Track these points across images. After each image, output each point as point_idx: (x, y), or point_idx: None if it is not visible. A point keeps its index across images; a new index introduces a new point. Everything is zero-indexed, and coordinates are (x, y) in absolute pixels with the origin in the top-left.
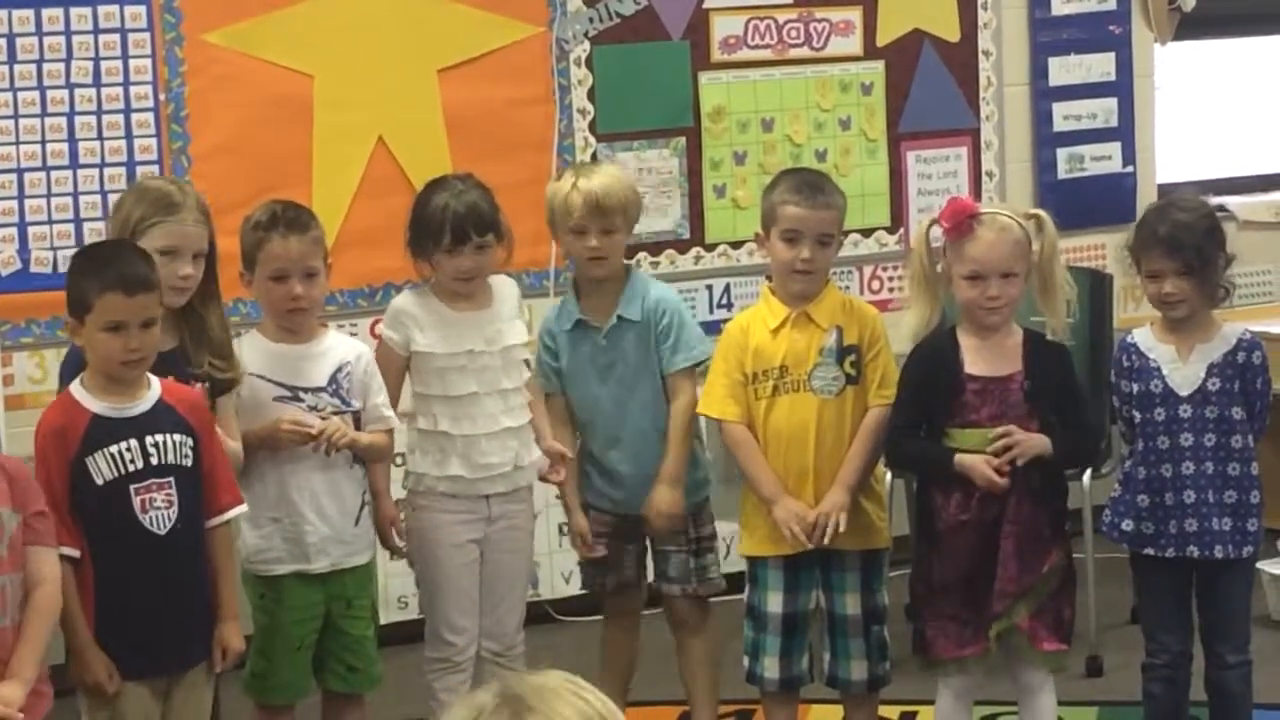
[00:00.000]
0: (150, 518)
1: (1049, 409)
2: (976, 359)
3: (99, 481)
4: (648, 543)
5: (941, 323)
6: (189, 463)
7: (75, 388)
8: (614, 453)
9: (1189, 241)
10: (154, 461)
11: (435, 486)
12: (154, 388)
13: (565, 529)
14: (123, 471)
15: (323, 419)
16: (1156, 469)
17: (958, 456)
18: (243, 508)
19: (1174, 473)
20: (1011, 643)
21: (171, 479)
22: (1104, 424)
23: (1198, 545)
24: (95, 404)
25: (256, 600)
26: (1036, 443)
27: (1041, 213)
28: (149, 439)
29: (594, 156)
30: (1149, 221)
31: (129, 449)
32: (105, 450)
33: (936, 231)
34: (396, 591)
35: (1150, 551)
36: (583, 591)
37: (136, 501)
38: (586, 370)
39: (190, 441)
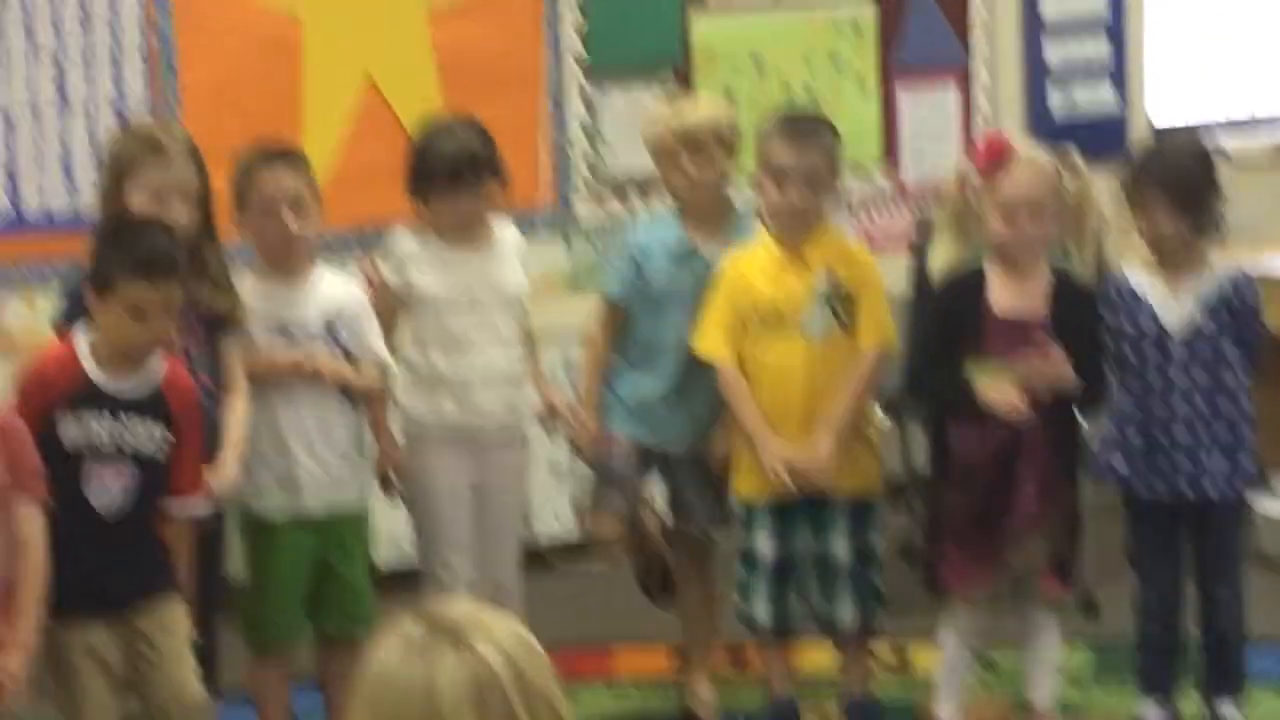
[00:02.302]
0: (100, 497)
1: (1069, 350)
2: (1002, 296)
3: (65, 445)
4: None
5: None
6: (158, 455)
7: (81, 347)
8: (654, 380)
9: (1190, 180)
10: (124, 447)
11: (428, 428)
12: (156, 370)
13: (558, 470)
14: (87, 446)
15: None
16: (1148, 408)
17: (984, 388)
18: (201, 501)
19: (1165, 410)
20: (1022, 579)
21: (135, 467)
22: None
23: (1190, 484)
24: (95, 371)
25: (249, 543)
26: (1061, 370)
27: (1074, 155)
28: (127, 422)
29: (584, 95)
30: (1148, 159)
31: (101, 427)
32: (82, 416)
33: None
34: (392, 535)
35: (1143, 492)
36: (577, 540)
37: (92, 478)
38: (683, 296)
39: (168, 435)
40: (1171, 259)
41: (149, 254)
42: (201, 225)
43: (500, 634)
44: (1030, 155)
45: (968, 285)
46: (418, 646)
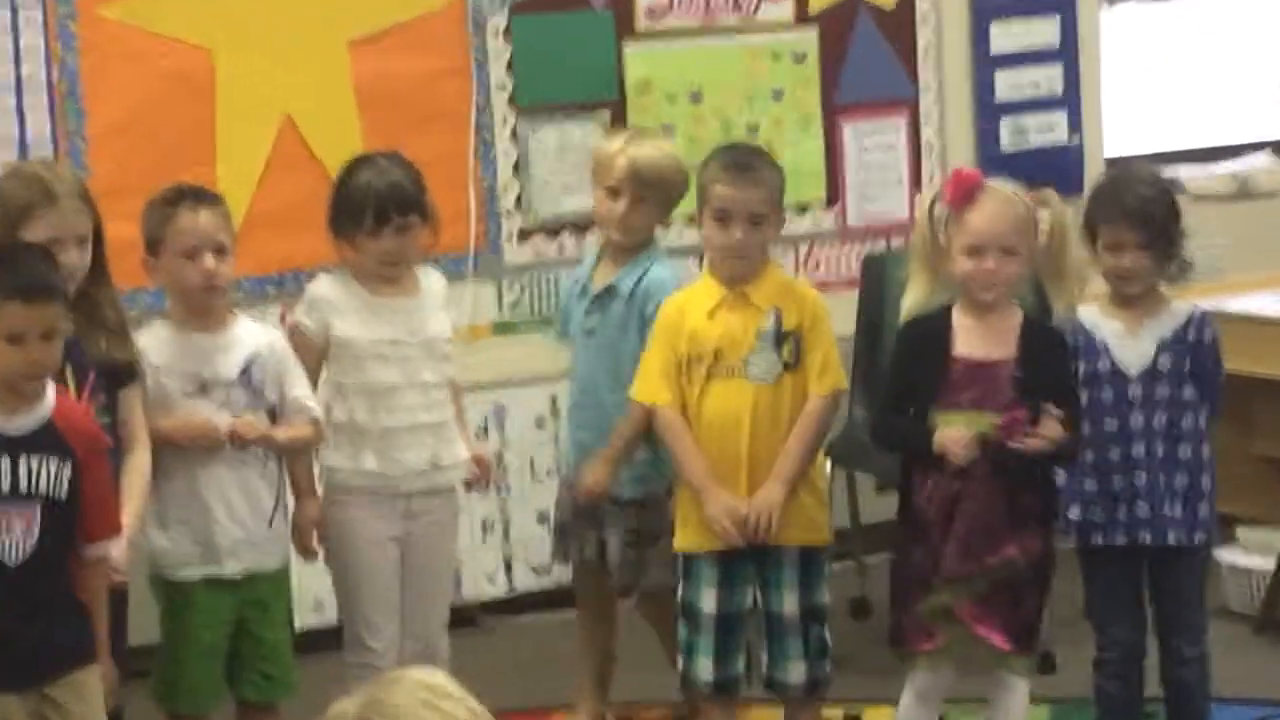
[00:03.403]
0: (3, 546)
1: (1039, 399)
2: (968, 339)
3: None
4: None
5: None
6: (62, 493)
7: None
8: (578, 420)
9: (1154, 214)
10: (22, 488)
11: (350, 481)
12: (46, 403)
13: (489, 525)
14: None
15: (234, 417)
16: (1104, 453)
17: (936, 434)
18: (119, 540)
19: (1123, 454)
20: (952, 628)
21: (37, 508)
22: None
23: (1150, 531)
24: None
25: (164, 606)
26: (1046, 442)
27: (1050, 193)
28: (23, 461)
29: (514, 132)
30: (1111, 191)
31: None
32: None
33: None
34: (312, 594)
35: (1100, 540)
36: (509, 594)
37: None
38: (577, 329)
39: (69, 470)
40: (1129, 296)
41: (26, 277)
42: (93, 269)
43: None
44: (1000, 189)
45: (931, 328)
46: None
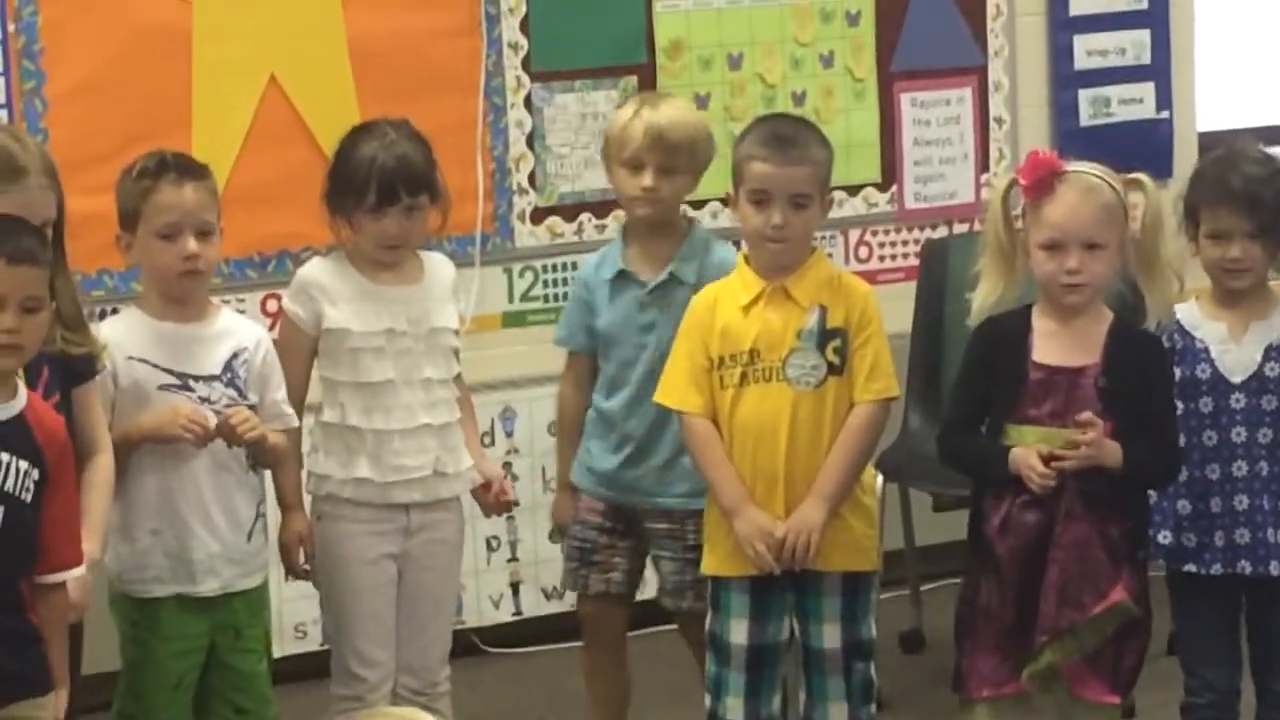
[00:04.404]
0: None
1: (1128, 411)
2: (1048, 345)
3: None
4: (649, 546)
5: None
6: (28, 496)
7: None
8: (632, 423)
9: (1265, 198)
10: None
11: (340, 491)
12: (19, 398)
13: (494, 543)
14: None
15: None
16: (1201, 469)
17: (1012, 453)
18: (80, 570)
19: (1222, 474)
20: (1054, 687)
21: (1, 509)
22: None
23: (1250, 560)
24: None
25: (127, 628)
26: (1106, 450)
27: (1143, 177)
28: None
29: (528, 100)
30: (1215, 172)
31: None
32: None
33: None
34: (294, 618)
35: (1192, 568)
36: (515, 617)
37: None
38: (626, 327)
39: (36, 474)
40: (1236, 292)
41: (10, 237)
42: (53, 255)
43: None
44: (1082, 175)
45: (1007, 332)
46: None
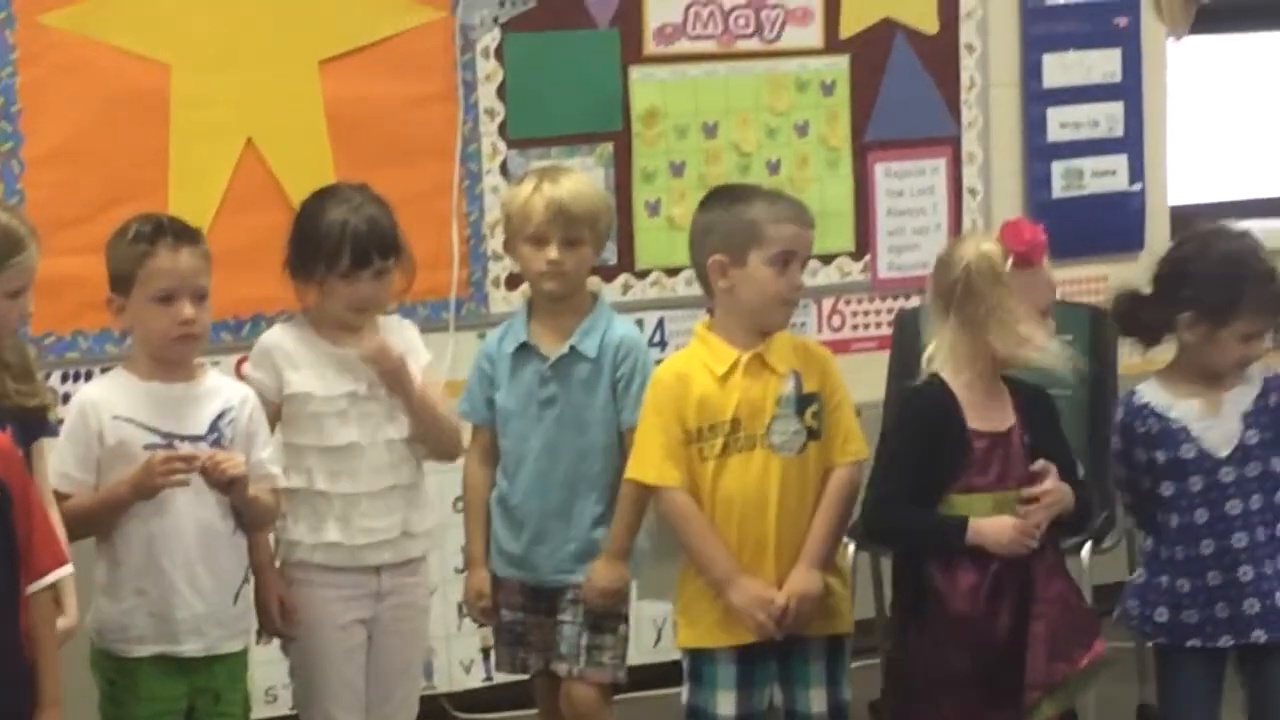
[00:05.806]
0: None
1: (1049, 460)
2: (976, 413)
3: None
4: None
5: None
6: None
7: None
8: (532, 502)
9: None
10: None
11: (310, 557)
12: None
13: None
14: None
15: None
16: (1196, 548)
17: (972, 524)
18: (66, 569)
19: (1218, 548)
20: None
21: None
22: (1106, 486)
23: (1264, 628)
24: None
25: (105, 686)
26: (1066, 493)
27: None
28: None
29: (504, 165)
30: (1253, 272)
31: None
32: None
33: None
34: (265, 681)
35: (1197, 643)
36: (486, 683)
37: None
38: (523, 403)
39: (5, 503)
40: (1218, 375)
41: None
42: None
43: None
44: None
45: (939, 402)
46: None
